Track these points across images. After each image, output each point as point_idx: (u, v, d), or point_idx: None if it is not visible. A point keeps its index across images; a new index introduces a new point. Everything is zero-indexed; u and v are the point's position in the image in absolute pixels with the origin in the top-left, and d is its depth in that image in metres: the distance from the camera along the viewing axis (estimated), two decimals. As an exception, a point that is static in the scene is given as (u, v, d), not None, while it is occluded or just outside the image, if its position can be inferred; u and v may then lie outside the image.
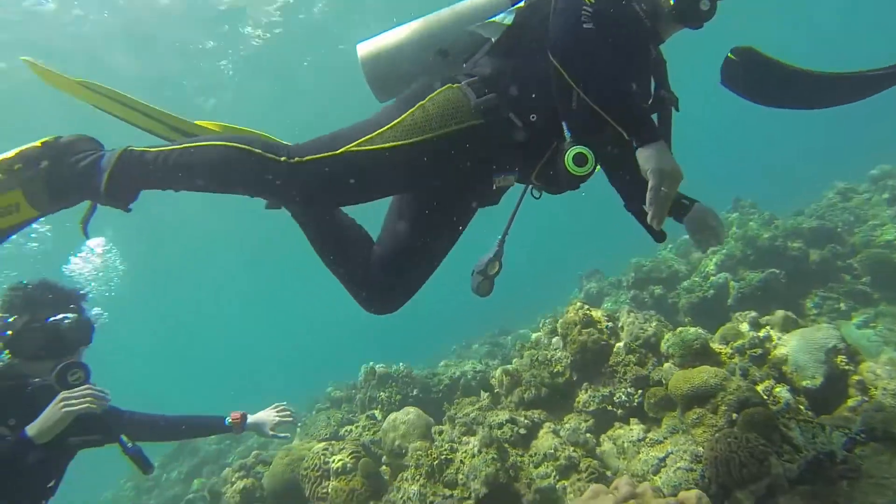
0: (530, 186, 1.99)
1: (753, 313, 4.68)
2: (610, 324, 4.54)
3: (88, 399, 1.77)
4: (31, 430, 1.72)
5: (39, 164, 1.62)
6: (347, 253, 1.97)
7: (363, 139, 1.70)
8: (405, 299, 2.05)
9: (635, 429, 3.96)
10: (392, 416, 4.19)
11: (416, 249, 1.98)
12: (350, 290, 2.01)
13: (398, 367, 5.66)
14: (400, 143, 1.69)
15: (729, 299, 6.28)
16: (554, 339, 4.50)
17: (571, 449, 3.76)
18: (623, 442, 3.86)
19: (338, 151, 1.68)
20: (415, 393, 5.45)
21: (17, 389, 1.86)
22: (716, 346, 4.28)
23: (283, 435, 2.51)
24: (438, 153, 1.73)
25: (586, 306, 4.59)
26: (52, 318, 1.92)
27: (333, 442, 4.60)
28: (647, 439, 3.82)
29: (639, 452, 3.77)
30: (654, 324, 4.74)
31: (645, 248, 9.69)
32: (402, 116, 1.73)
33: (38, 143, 1.66)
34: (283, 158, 1.68)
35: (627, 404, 4.13)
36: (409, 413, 4.14)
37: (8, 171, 1.59)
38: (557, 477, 3.61)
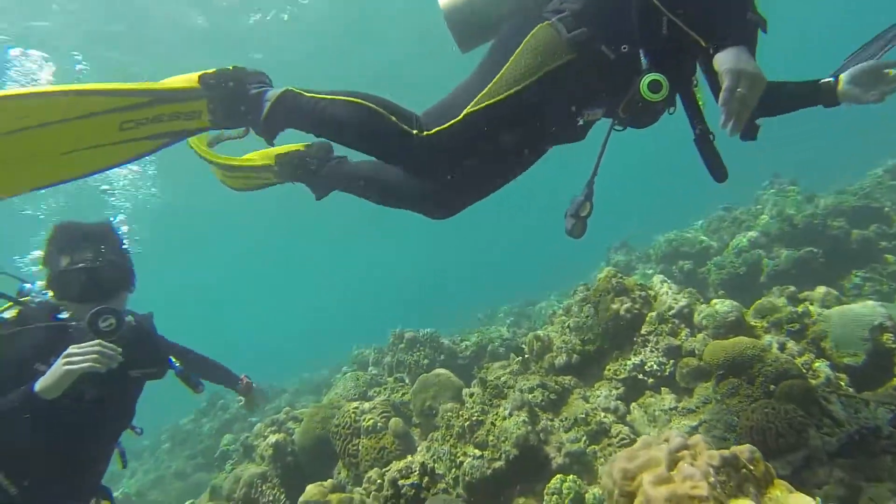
0: (615, 122, 1.96)
1: (792, 288, 4.58)
2: (643, 293, 4.49)
3: (93, 357, 1.67)
4: (38, 384, 1.66)
5: (228, 83, 1.81)
6: (404, 192, 2.02)
7: (478, 98, 1.73)
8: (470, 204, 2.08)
9: (667, 398, 3.95)
10: (423, 377, 4.25)
11: (488, 180, 2.01)
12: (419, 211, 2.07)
13: (425, 331, 5.72)
14: (509, 92, 1.71)
15: (762, 276, 6.16)
16: (586, 307, 4.48)
17: (602, 415, 3.77)
18: (654, 410, 3.86)
19: (459, 117, 1.73)
20: (442, 358, 5.51)
21: (60, 330, 1.84)
22: (751, 319, 4.21)
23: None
24: (542, 93, 1.74)
25: (619, 274, 4.54)
26: (85, 263, 1.87)
27: (364, 401, 4.70)
28: (679, 408, 3.81)
29: (670, 421, 3.78)
30: (687, 295, 4.68)
31: (672, 224, 9.52)
32: (505, 66, 1.74)
33: (230, 67, 1.85)
34: (415, 132, 1.75)
35: (659, 373, 4.11)
36: (441, 375, 4.19)
37: (203, 82, 1.79)
38: (588, 441, 3.64)
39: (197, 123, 1.85)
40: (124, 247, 2.08)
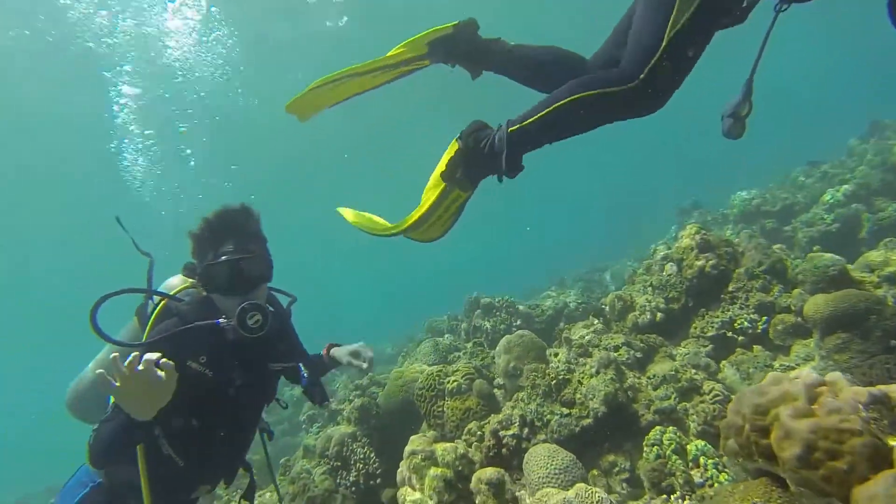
0: (780, 6, 1.87)
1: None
2: (729, 248, 4.30)
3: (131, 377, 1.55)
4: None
5: (457, 171, 1.97)
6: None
7: (672, 19, 1.69)
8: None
9: (760, 355, 3.80)
10: (506, 338, 4.29)
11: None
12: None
13: (503, 297, 5.75)
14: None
15: (861, 232, 5.73)
16: (668, 265, 4.34)
17: (693, 372, 3.68)
18: (748, 367, 3.73)
19: (664, 44, 1.70)
20: (518, 323, 5.54)
21: (210, 327, 1.87)
22: (857, 273, 3.94)
23: (357, 362, 2.32)
24: None
25: (703, 230, 4.36)
26: (229, 255, 1.88)
27: (447, 365, 4.82)
28: (776, 366, 3.65)
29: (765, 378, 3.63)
30: (777, 250, 4.44)
31: (746, 182, 8.98)
32: None
33: (453, 146, 1.98)
34: (629, 84, 1.73)
35: (750, 331, 3.96)
36: (524, 335, 4.21)
37: (450, 179, 1.98)
38: (678, 398, 3.57)
39: (461, 200, 2.10)
40: (265, 237, 2.09)
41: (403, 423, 4.79)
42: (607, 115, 1.84)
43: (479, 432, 2.81)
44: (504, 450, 2.69)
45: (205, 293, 1.98)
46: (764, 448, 1.63)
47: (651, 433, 3.00)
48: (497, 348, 4.39)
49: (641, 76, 1.73)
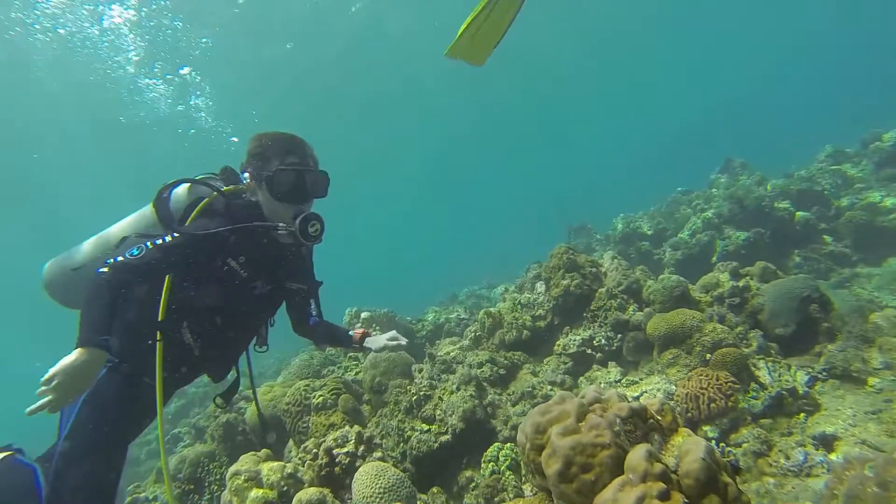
0: None
1: (734, 263, 4.73)
2: (593, 269, 4.56)
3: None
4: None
5: None
6: None
7: None
8: None
9: (613, 371, 4.04)
10: (373, 353, 4.21)
11: None
12: None
13: (382, 311, 5.69)
14: None
15: (714, 256, 6.35)
16: (538, 284, 4.52)
17: (549, 388, 3.83)
18: (600, 383, 3.94)
19: None
20: (398, 337, 5.47)
21: (260, 231, 1.96)
22: (696, 293, 4.33)
23: (394, 343, 2.50)
24: None
25: (570, 251, 4.59)
26: (295, 165, 1.97)
27: (315, 379, 4.65)
28: (624, 381, 3.90)
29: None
30: (637, 272, 4.78)
31: (631, 207, 9.70)
32: None
33: None
34: None
35: (607, 348, 4.20)
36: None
37: None
38: (533, 413, 3.69)
39: None
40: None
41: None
42: None
43: (314, 450, 2.71)
44: (337, 468, 2.61)
45: (254, 199, 2.03)
46: (538, 465, 1.68)
47: (489, 450, 3.07)
48: (364, 363, 4.32)
49: None
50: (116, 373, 1.92)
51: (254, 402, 4.91)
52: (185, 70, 14.84)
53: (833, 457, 2.48)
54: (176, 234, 1.82)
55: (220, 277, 1.93)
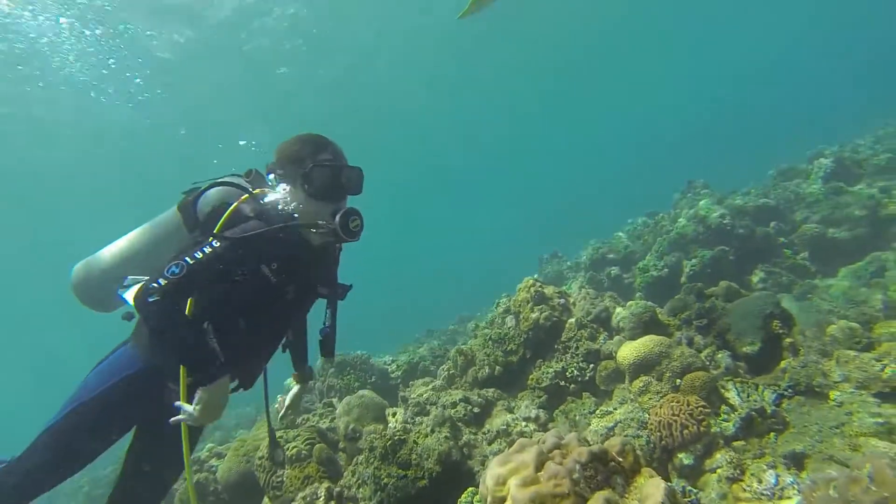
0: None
1: (700, 284, 4.81)
2: (562, 300, 4.59)
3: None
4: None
5: None
6: None
7: None
8: None
9: (587, 402, 4.02)
10: (346, 399, 4.13)
11: None
12: None
13: (356, 353, 5.59)
14: None
15: (682, 277, 6.46)
16: (508, 318, 4.52)
17: (524, 424, 3.79)
18: (575, 415, 3.92)
19: None
20: (373, 380, 5.39)
21: (294, 235, 1.93)
22: (664, 317, 4.39)
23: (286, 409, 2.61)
24: None
25: (538, 283, 4.62)
26: (331, 162, 1.96)
27: (289, 430, 4.51)
28: (598, 411, 3.88)
29: (589, 424, 3.83)
30: (605, 299, 4.83)
31: (600, 232, 9.89)
32: None
33: None
34: None
35: (580, 379, 4.19)
36: (363, 396, 4.08)
37: None
38: (510, 451, 3.64)
39: None
40: None
41: (245, 498, 4.37)
42: None
43: (283, 514, 2.61)
44: (307, 531, 2.52)
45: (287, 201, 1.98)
46: (501, 519, 1.65)
47: (463, 495, 3.00)
48: (338, 409, 4.22)
49: None
50: (138, 376, 1.93)
51: (225, 458, 4.73)
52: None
53: (803, 475, 2.49)
54: (215, 242, 1.78)
55: (251, 284, 1.88)
